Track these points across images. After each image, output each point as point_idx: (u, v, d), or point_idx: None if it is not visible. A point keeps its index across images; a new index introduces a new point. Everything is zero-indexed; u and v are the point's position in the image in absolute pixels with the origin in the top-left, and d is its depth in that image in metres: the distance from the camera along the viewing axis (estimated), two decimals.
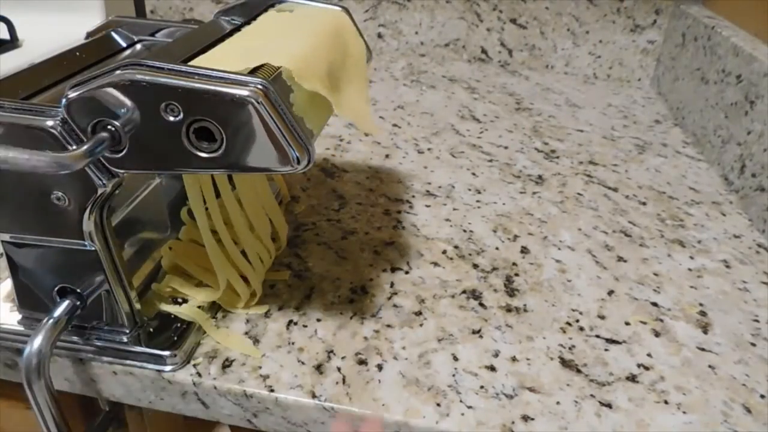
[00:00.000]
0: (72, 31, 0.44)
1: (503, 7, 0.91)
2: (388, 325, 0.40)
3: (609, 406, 0.35)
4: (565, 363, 0.38)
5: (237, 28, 0.39)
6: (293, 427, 0.36)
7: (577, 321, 0.42)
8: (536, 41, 0.93)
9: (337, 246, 0.48)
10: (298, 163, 0.29)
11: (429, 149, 0.66)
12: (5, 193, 0.33)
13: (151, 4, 1.01)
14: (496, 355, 0.39)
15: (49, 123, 0.30)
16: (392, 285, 0.44)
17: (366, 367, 0.37)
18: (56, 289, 0.36)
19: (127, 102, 0.28)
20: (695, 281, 0.47)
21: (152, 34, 0.45)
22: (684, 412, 0.35)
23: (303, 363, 0.37)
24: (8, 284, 0.38)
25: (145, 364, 0.36)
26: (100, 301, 0.36)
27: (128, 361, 0.36)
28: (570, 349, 0.39)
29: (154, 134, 0.29)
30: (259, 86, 0.28)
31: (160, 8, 1.01)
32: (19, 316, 0.38)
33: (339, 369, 0.37)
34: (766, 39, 0.64)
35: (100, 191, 0.31)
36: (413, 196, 0.56)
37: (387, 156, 0.64)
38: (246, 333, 0.39)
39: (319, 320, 0.40)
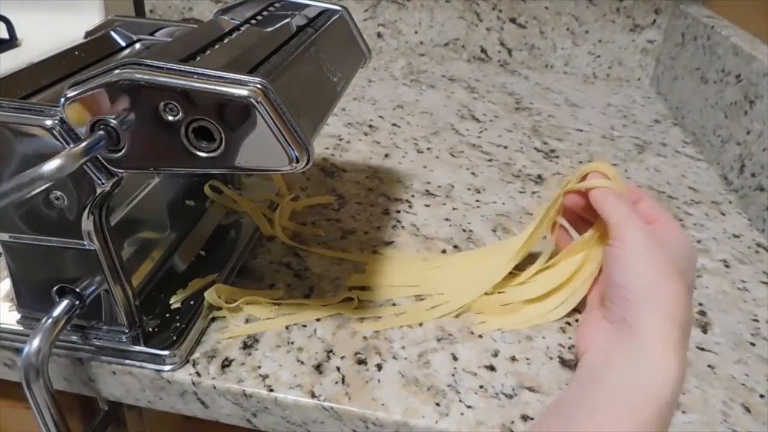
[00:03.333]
0: (71, 30, 0.44)
1: (503, 7, 0.91)
2: None
3: None
4: (564, 363, 0.38)
5: (236, 28, 0.39)
6: (292, 427, 0.36)
7: (577, 321, 0.42)
8: (536, 41, 0.93)
9: (336, 246, 0.48)
10: (297, 162, 0.29)
11: (428, 149, 0.66)
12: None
13: (150, 4, 1.01)
14: (496, 354, 0.39)
15: (48, 122, 0.30)
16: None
17: (365, 367, 0.37)
18: (55, 288, 0.36)
19: (126, 101, 0.28)
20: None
21: (151, 34, 0.45)
22: (683, 412, 0.35)
23: (302, 363, 0.37)
24: (7, 284, 0.38)
25: (144, 364, 0.36)
26: (99, 301, 0.36)
27: (127, 361, 0.36)
28: (569, 348, 0.39)
29: (152, 134, 0.29)
30: (258, 86, 0.27)
31: (159, 7, 1.01)
32: (18, 316, 0.38)
33: (338, 369, 0.37)
34: (766, 39, 0.64)
35: (99, 190, 0.31)
36: (413, 196, 0.56)
37: (386, 155, 0.64)
38: (245, 331, 0.39)
39: (318, 320, 0.40)
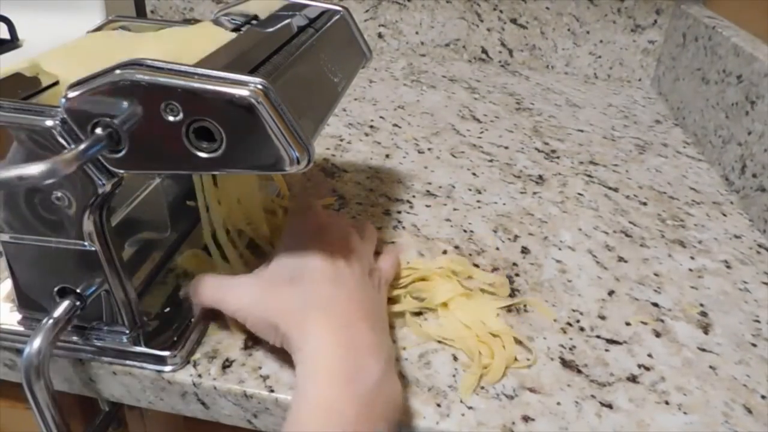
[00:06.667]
0: (72, 30, 0.44)
1: (503, 7, 0.91)
2: (389, 325, 0.40)
3: (609, 406, 0.35)
4: (565, 363, 0.38)
5: (236, 28, 0.39)
6: None
7: (578, 321, 0.42)
8: (537, 41, 0.93)
9: None
10: (298, 163, 0.29)
11: (429, 149, 0.66)
12: (4, 192, 0.33)
13: (151, 4, 1.01)
14: None
15: (49, 123, 0.29)
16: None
17: None
18: (56, 289, 0.36)
19: (127, 102, 0.28)
20: (696, 281, 0.47)
21: None
22: (685, 413, 0.35)
23: None
24: (8, 284, 0.38)
25: (144, 365, 0.36)
26: (100, 301, 0.36)
27: (128, 362, 0.36)
28: (570, 349, 0.39)
29: (153, 134, 0.29)
30: (259, 86, 0.27)
31: (160, 8, 1.01)
32: (19, 317, 0.38)
33: None
34: (767, 39, 0.64)
35: (99, 191, 0.31)
36: (413, 196, 0.56)
37: (387, 156, 0.64)
38: (245, 332, 0.39)
39: None
